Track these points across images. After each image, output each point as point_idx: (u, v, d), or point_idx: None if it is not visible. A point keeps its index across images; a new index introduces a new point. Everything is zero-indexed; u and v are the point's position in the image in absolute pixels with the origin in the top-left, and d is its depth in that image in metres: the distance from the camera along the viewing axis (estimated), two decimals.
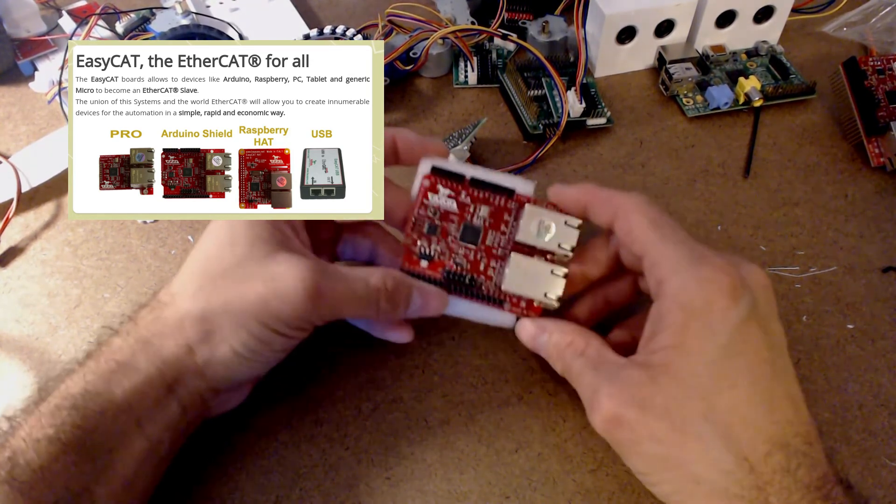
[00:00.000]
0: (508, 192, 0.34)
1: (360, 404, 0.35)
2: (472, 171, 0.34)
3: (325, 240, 0.36)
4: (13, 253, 0.42)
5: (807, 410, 0.28)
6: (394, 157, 0.34)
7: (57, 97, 0.48)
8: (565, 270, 0.33)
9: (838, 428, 0.34)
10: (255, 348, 0.30)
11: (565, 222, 0.33)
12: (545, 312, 0.33)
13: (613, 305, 0.35)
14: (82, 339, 0.38)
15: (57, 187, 0.46)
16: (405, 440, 0.34)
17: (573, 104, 0.47)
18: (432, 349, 0.37)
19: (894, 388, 0.35)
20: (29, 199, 0.45)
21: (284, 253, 0.30)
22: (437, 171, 0.34)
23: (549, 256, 0.34)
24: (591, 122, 0.48)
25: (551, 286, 0.33)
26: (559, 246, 0.33)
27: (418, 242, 0.34)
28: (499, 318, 0.34)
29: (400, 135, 0.34)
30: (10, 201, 0.43)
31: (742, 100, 0.49)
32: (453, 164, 0.35)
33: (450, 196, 0.34)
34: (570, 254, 0.33)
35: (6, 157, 0.46)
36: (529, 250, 0.34)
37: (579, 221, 0.33)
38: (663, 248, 0.29)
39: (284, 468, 0.33)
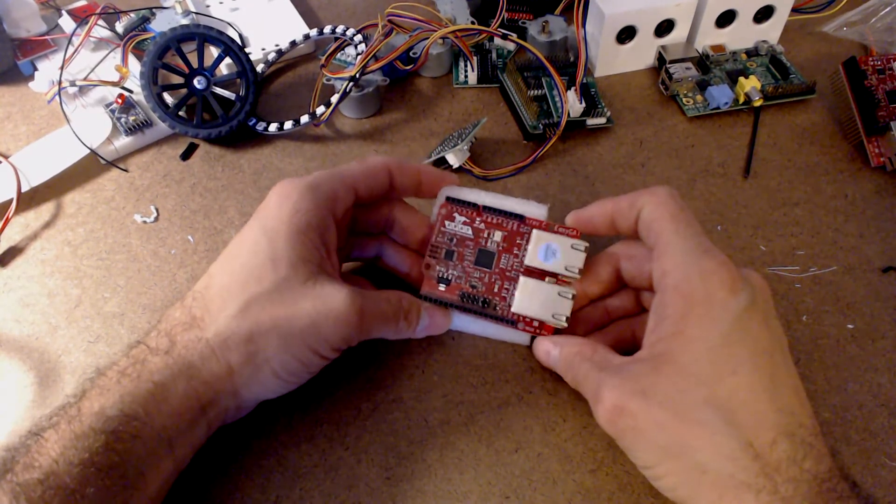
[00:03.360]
0: (520, 217, 0.36)
1: (360, 404, 0.35)
2: (485, 199, 0.37)
3: (339, 245, 0.36)
4: (13, 253, 0.42)
5: (809, 405, 0.28)
6: (417, 185, 0.36)
7: (57, 97, 0.48)
8: (573, 291, 0.35)
9: (838, 428, 0.34)
10: (295, 370, 0.31)
11: (572, 245, 0.35)
12: (556, 330, 0.35)
13: (613, 316, 0.36)
14: (82, 339, 0.38)
15: (57, 187, 0.46)
16: (405, 440, 0.34)
17: (573, 104, 0.46)
18: (432, 349, 0.37)
19: (894, 388, 0.35)
20: (29, 199, 0.45)
21: (325, 276, 0.31)
22: (452, 200, 0.37)
23: (557, 279, 0.35)
24: (591, 121, 0.48)
25: (559, 307, 0.35)
26: (566, 268, 0.35)
27: (437, 267, 0.36)
28: (514, 336, 0.36)
29: (424, 168, 0.36)
30: (10, 201, 0.43)
31: (742, 99, 0.48)
32: (466, 194, 0.37)
33: (465, 223, 0.36)
34: (578, 275, 0.34)
35: (6, 157, 0.46)
36: (539, 273, 0.35)
37: (586, 244, 0.35)
38: (673, 241, 0.30)
39: (284, 468, 0.33)
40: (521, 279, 0.35)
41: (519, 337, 0.36)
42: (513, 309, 0.35)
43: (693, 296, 0.28)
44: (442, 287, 0.36)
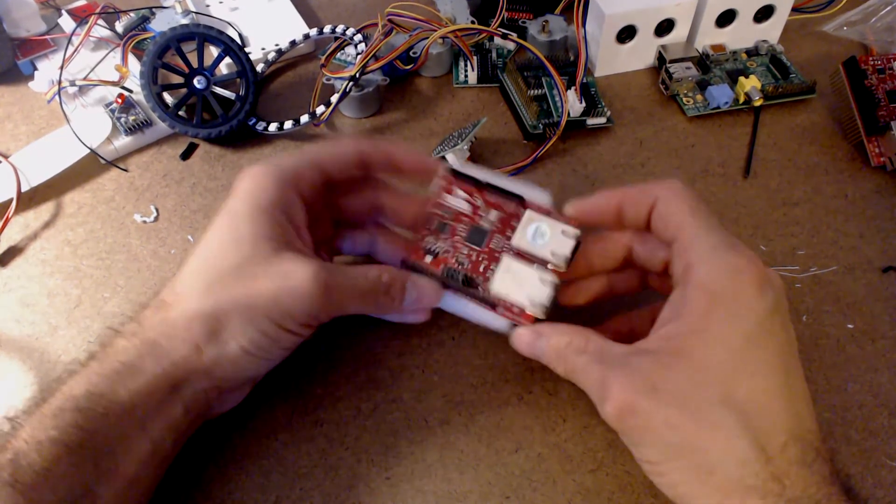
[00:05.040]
0: (520, 199, 0.35)
1: (360, 404, 0.35)
2: (487, 177, 0.35)
3: (323, 238, 0.36)
4: (13, 253, 0.42)
5: (814, 410, 0.28)
6: (393, 165, 0.35)
7: (56, 97, 0.48)
8: (555, 280, 0.33)
9: (838, 428, 0.34)
10: (264, 345, 0.30)
11: (562, 231, 0.33)
12: (537, 320, 0.33)
13: (616, 293, 0.35)
14: (82, 339, 0.38)
15: (57, 187, 0.46)
16: (405, 440, 0.34)
17: (573, 104, 0.46)
18: (432, 349, 0.37)
19: (894, 388, 0.35)
20: (29, 199, 0.45)
21: (289, 251, 0.30)
22: (454, 173, 0.35)
23: (547, 265, 0.33)
24: (591, 121, 0.48)
25: (536, 293, 0.33)
26: (551, 254, 0.33)
27: (427, 238, 0.35)
28: (493, 321, 0.34)
29: (397, 147, 0.35)
30: (10, 201, 0.43)
31: (742, 99, 0.48)
32: (470, 167, 0.36)
33: (465, 199, 0.35)
34: (563, 265, 0.33)
35: (6, 157, 0.46)
36: (525, 256, 0.34)
37: (578, 232, 0.33)
38: (696, 235, 0.29)
39: (284, 468, 0.33)
40: (504, 259, 0.34)
41: (498, 323, 0.34)
42: (491, 288, 0.33)
43: (719, 293, 0.28)
44: (428, 259, 0.35)
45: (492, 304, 0.34)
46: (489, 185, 0.35)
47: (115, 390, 0.28)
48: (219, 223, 0.32)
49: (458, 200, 0.35)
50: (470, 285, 0.34)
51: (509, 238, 0.34)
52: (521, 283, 0.33)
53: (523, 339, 0.32)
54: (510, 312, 0.34)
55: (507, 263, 0.34)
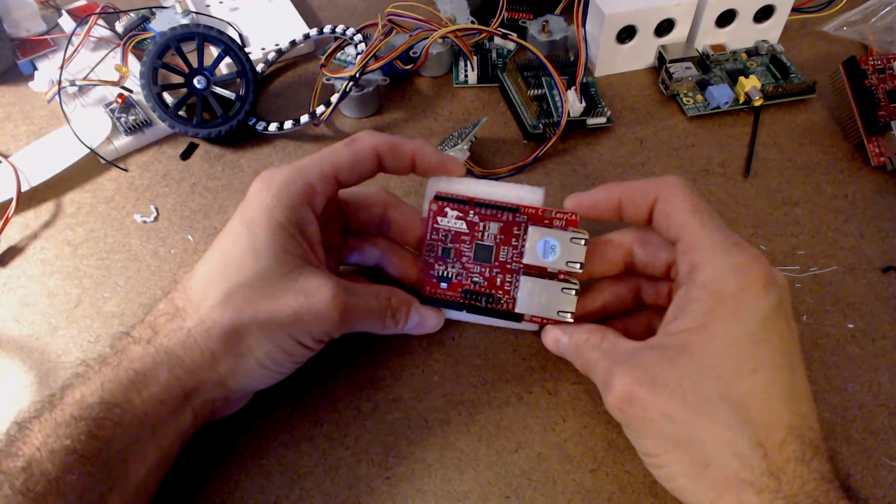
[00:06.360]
0: (514, 209, 0.35)
1: (360, 404, 0.35)
2: (476, 189, 0.35)
3: (333, 245, 0.36)
4: (13, 252, 0.42)
5: (815, 409, 0.28)
6: (411, 168, 0.35)
7: (56, 97, 0.48)
8: (576, 287, 0.34)
9: (838, 428, 0.34)
10: (280, 359, 0.30)
11: (571, 239, 0.34)
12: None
13: (609, 311, 0.36)
14: (82, 339, 0.38)
15: (57, 187, 0.46)
16: (405, 440, 0.34)
17: (573, 103, 0.46)
18: (432, 349, 0.37)
19: (894, 387, 0.35)
20: (29, 199, 0.45)
21: (310, 268, 0.31)
22: (442, 198, 0.35)
23: (560, 276, 0.34)
24: (591, 121, 0.48)
25: (563, 303, 0.34)
26: (567, 264, 0.34)
27: (435, 266, 0.35)
28: (520, 327, 0.36)
29: (420, 150, 0.34)
30: (10, 201, 0.43)
31: (742, 99, 0.48)
32: (457, 184, 0.35)
33: (458, 217, 0.35)
34: (580, 270, 0.34)
35: (6, 157, 0.46)
36: (539, 270, 0.34)
37: (586, 236, 0.34)
38: (700, 234, 0.30)
39: (284, 468, 0.33)
40: (522, 279, 0.34)
41: (525, 327, 0.36)
42: (517, 310, 0.34)
43: (723, 291, 0.28)
44: (444, 285, 0.35)
45: (517, 317, 0.35)
46: (480, 203, 0.35)
47: (129, 399, 0.28)
48: (235, 230, 0.31)
49: (452, 221, 0.35)
50: (492, 302, 0.35)
51: (515, 247, 0.35)
52: (545, 299, 0.34)
53: (551, 336, 0.34)
54: (536, 317, 0.35)
55: (525, 283, 0.34)
